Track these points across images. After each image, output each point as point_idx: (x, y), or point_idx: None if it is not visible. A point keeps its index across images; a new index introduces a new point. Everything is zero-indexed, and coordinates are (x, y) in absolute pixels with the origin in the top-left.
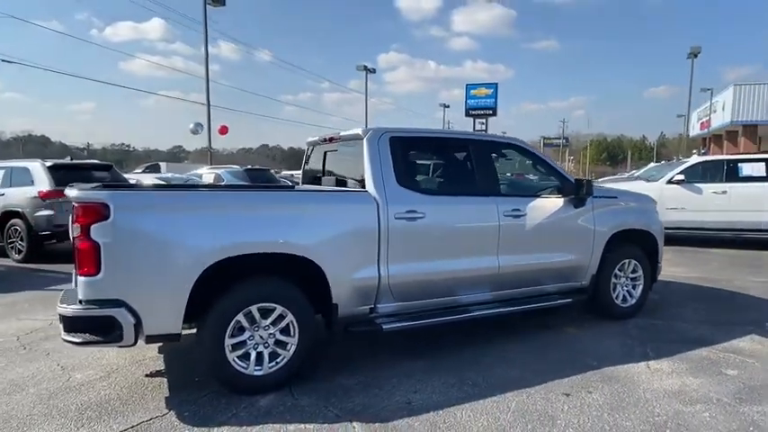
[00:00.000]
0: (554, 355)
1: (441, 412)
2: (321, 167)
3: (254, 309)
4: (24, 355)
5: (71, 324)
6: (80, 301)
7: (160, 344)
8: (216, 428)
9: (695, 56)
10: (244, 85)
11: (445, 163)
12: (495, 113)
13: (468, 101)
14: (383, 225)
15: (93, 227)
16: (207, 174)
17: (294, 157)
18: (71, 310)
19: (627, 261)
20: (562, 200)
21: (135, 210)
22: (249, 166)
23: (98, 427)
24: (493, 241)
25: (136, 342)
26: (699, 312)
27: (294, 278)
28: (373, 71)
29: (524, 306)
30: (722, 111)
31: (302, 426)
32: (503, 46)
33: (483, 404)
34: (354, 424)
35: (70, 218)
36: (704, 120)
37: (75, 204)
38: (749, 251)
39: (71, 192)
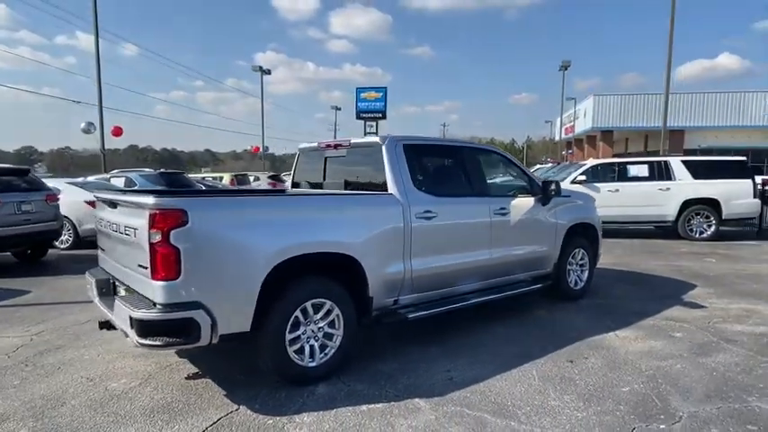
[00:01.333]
0: (539, 333)
1: (481, 384)
2: (321, 173)
3: (308, 305)
4: (33, 371)
5: (149, 328)
6: (155, 305)
7: (178, 348)
8: (296, 416)
9: (566, 68)
10: (108, 80)
11: (447, 167)
12: (384, 117)
13: (359, 104)
14: (407, 224)
15: (172, 233)
16: (116, 178)
17: (173, 161)
18: (150, 314)
19: (577, 250)
20: (533, 199)
21: (210, 215)
22: (162, 170)
23: (181, 427)
24: (486, 236)
25: (211, 342)
26: (629, 292)
27: (337, 275)
28: (268, 72)
29: (508, 292)
30: (584, 117)
31: (372, 406)
32: (380, 50)
33: (511, 375)
34: (416, 399)
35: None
36: (568, 125)
37: (155, 211)
38: (642, 240)
39: (149, 199)
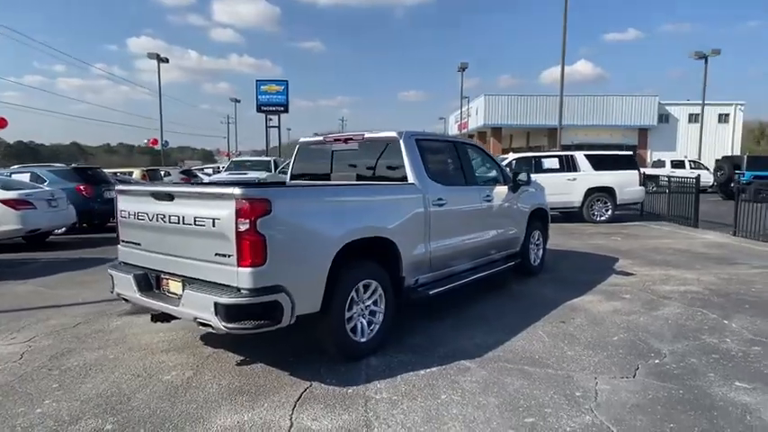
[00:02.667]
0: (526, 303)
1: (506, 345)
2: (328, 166)
3: (360, 285)
4: (65, 374)
5: (237, 313)
6: (239, 290)
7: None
8: (369, 384)
9: (463, 70)
10: None
11: (448, 160)
12: (286, 110)
13: (259, 97)
14: (426, 210)
15: (259, 221)
16: (19, 173)
17: (31, 155)
18: (238, 299)
19: (535, 231)
20: (506, 187)
21: (289, 204)
22: (75, 165)
23: (268, 405)
24: (479, 220)
25: (289, 324)
26: (572, 266)
27: (379, 258)
28: (166, 60)
29: (494, 269)
30: (476, 115)
31: (429, 370)
32: (269, 42)
33: (523, 336)
34: (461, 361)
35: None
36: (460, 122)
37: (243, 201)
38: (557, 224)
39: (235, 190)
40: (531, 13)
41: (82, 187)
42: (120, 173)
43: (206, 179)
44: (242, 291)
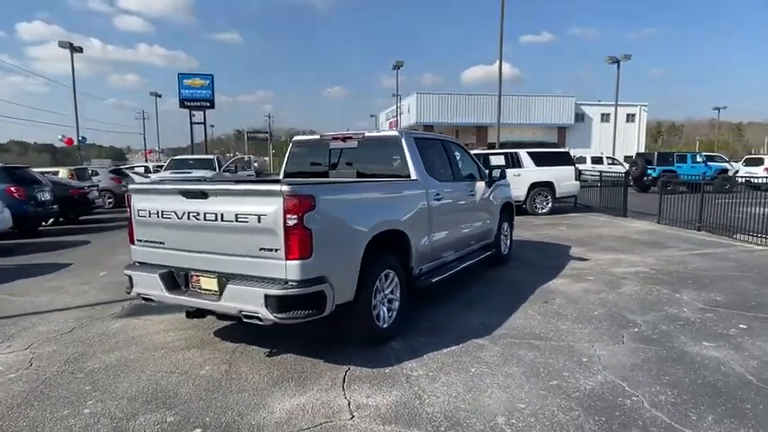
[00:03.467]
0: (509, 287)
1: (507, 324)
2: (326, 164)
3: (382, 275)
4: (93, 376)
5: (286, 304)
6: (287, 282)
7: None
8: (403, 364)
9: (398, 68)
10: None
11: (440, 157)
12: (212, 106)
13: (183, 91)
14: (429, 204)
15: (306, 216)
16: None
17: None
18: (289, 291)
19: (504, 223)
20: (483, 182)
21: (330, 199)
22: (3, 164)
23: (316, 387)
24: (465, 213)
25: (329, 312)
26: (535, 255)
27: (394, 249)
28: (80, 50)
29: (476, 259)
30: (408, 113)
31: (450, 349)
32: (183, 33)
33: (518, 316)
34: (475, 340)
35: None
36: (392, 120)
37: (292, 197)
38: None
39: (283, 188)
40: (452, 10)
41: (13, 189)
42: (46, 172)
43: (138, 179)
44: (289, 283)
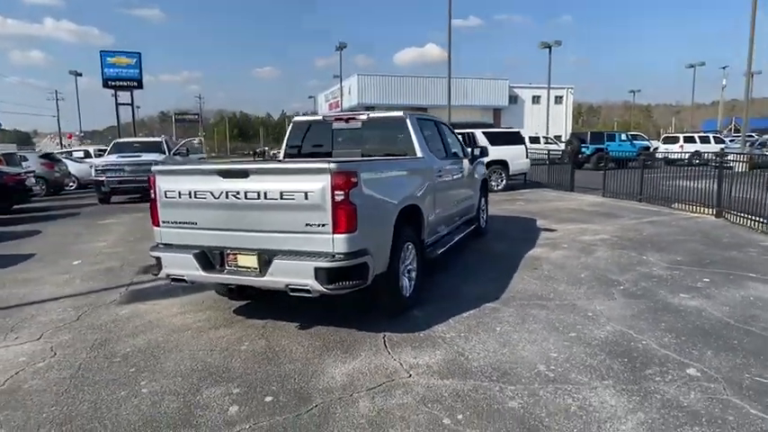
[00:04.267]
0: (497, 257)
1: (510, 289)
2: (329, 143)
3: (404, 247)
4: (130, 359)
5: (335, 276)
6: (334, 256)
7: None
8: (434, 328)
9: (341, 49)
10: None
11: (436, 137)
12: (140, 86)
13: (106, 70)
14: (433, 180)
15: (351, 192)
16: None
17: None
18: (337, 263)
19: (482, 198)
20: (467, 160)
21: (369, 176)
22: None
23: (362, 354)
24: (457, 188)
25: (369, 283)
26: (505, 227)
27: (411, 223)
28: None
29: (464, 233)
30: (349, 94)
31: (469, 312)
32: (94, 6)
33: (517, 281)
34: (487, 304)
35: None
36: (332, 101)
37: (340, 174)
38: None
39: (330, 165)
40: None
41: None
42: None
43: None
44: (336, 256)
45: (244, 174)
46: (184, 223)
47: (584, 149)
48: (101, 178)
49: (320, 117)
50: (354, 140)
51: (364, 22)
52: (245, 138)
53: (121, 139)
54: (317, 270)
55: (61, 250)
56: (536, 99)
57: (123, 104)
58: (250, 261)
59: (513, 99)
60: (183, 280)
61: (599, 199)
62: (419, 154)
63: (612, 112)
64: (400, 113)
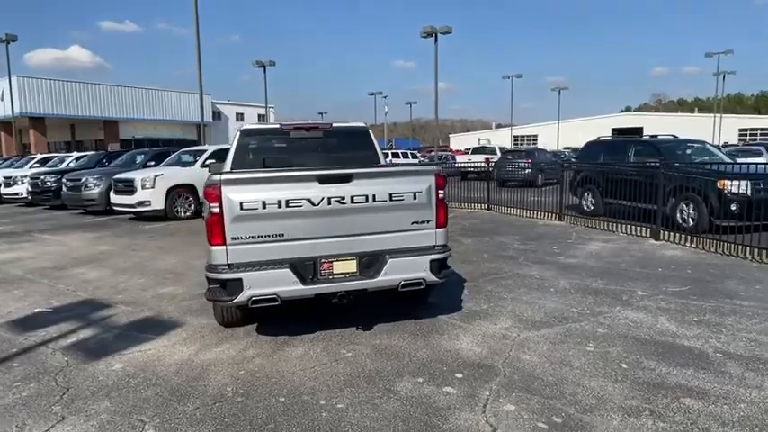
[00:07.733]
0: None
1: (511, 273)
2: (286, 153)
3: None
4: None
5: (442, 266)
6: (434, 248)
7: None
8: (452, 314)
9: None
10: None
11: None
12: None
13: None
14: None
15: (440, 191)
16: None
17: None
18: (444, 254)
19: None
20: None
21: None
22: None
23: (461, 328)
24: None
25: None
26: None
27: None
28: None
29: None
30: (2, 101)
31: (507, 282)
32: None
33: (515, 267)
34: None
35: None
36: None
37: (440, 175)
38: None
39: (434, 167)
40: None
41: None
42: None
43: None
44: (436, 248)
45: (347, 178)
46: (268, 236)
47: None
48: None
49: (277, 125)
50: (317, 149)
51: None
52: None
53: None
54: (431, 262)
55: None
56: (239, 116)
57: None
58: (348, 266)
59: (217, 115)
60: (274, 300)
61: None
62: (383, 161)
63: None
64: (362, 124)
